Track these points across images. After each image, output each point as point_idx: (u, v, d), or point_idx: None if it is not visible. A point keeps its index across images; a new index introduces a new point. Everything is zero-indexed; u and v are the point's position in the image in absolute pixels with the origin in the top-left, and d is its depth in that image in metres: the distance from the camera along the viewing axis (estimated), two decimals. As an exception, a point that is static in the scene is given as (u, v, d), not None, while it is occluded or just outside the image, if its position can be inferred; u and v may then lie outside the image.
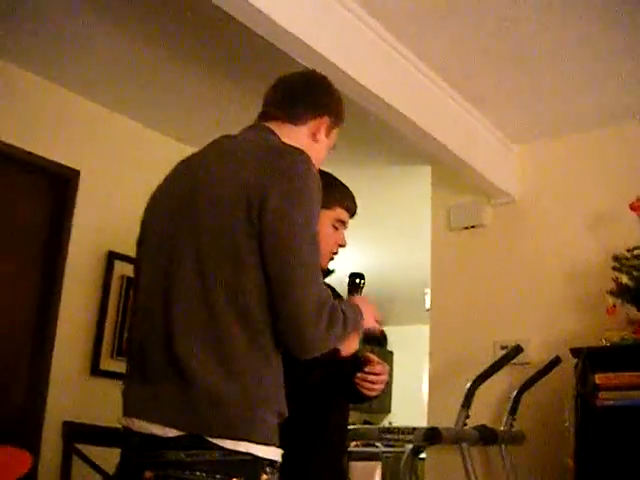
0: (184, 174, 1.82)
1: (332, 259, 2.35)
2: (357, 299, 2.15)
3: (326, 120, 1.96)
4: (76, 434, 3.54)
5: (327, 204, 2.27)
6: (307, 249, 1.63)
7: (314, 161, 1.87)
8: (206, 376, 1.58)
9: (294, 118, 1.93)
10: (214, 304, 1.61)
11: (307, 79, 2.05)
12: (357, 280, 2.26)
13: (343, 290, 2.27)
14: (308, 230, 1.65)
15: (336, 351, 2.02)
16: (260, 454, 1.59)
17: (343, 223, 2.36)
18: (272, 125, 1.90)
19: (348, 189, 2.40)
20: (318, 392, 2.31)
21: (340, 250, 2.38)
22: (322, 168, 2.03)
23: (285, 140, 1.84)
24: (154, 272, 1.73)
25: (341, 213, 2.34)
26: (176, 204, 1.75)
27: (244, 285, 1.62)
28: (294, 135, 1.91)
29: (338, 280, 2.36)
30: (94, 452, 3.51)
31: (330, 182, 2.33)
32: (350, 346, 2.10)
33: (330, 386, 2.36)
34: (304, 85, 2.01)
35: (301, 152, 1.74)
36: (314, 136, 1.94)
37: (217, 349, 1.60)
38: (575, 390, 3.53)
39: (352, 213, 2.39)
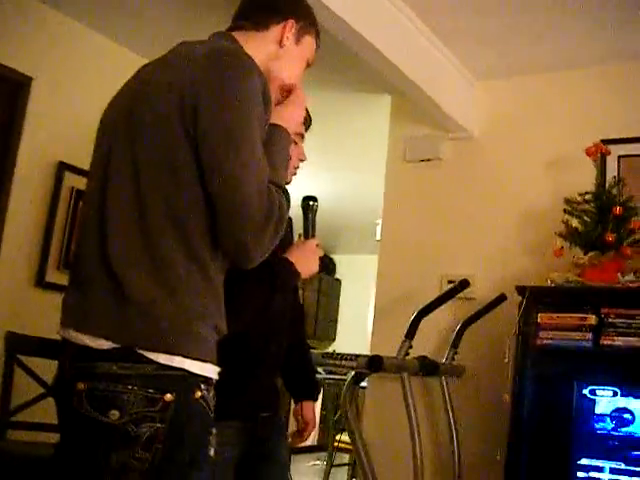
0: (133, 82, 1.78)
1: (295, 174, 2.35)
2: (299, 248, 2.17)
3: (292, 24, 1.88)
4: (18, 345, 3.53)
5: None
6: (243, 155, 1.56)
7: (284, 70, 1.86)
8: (140, 288, 1.56)
9: (257, 24, 1.87)
10: (148, 214, 1.57)
11: None
12: (310, 203, 2.26)
13: (297, 214, 2.26)
14: (242, 134, 1.57)
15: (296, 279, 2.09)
16: (194, 370, 1.57)
17: (302, 136, 2.34)
18: (236, 34, 1.85)
19: None
20: (278, 314, 2.33)
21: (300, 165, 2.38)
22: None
23: (246, 47, 1.78)
24: (94, 181, 1.70)
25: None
26: (118, 113, 1.71)
27: (179, 196, 1.58)
28: (257, 42, 1.85)
29: (291, 204, 2.36)
30: (36, 364, 3.51)
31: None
32: (310, 270, 2.15)
33: (285, 310, 2.40)
34: None
35: (240, 53, 1.68)
36: (280, 42, 1.87)
37: (152, 261, 1.57)
38: (517, 328, 3.59)
39: (308, 124, 2.37)
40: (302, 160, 2.36)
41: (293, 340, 2.59)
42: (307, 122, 2.36)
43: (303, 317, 2.86)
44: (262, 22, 1.87)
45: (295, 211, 2.27)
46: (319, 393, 2.79)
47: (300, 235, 2.25)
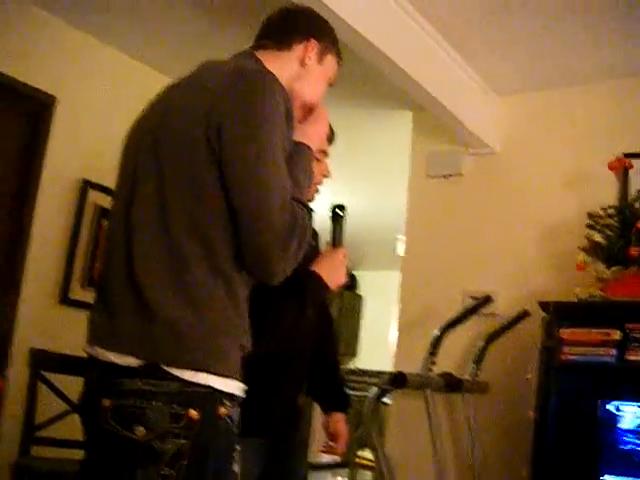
0: (157, 103, 1.80)
1: (317, 191, 2.34)
2: (326, 259, 2.17)
3: (313, 44, 1.91)
4: (42, 362, 3.55)
5: None
6: (267, 174, 1.58)
7: (307, 90, 1.88)
8: (165, 305, 1.56)
9: (279, 43, 1.90)
10: (173, 232, 1.59)
11: (294, 8, 2.05)
12: (339, 211, 2.26)
13: (324, 223, 2.26)
14: (266, 152, 1.59)
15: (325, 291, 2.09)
16: (219, 387, 1.58)
17: (325, 152, 2.34)
18: (258, 53, 1.88)
19: None
20: (306, 329, 2.32)
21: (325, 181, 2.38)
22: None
23: (269, 66, 1.80)
24: (120, 201, 1.71)
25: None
26: (144, 133, 1.73)
27: (204, 213, 1.59)
28: (280, 61, 1.87)
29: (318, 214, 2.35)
30: (60, 380, 3.53)
31: None
32: (338, 282, 2.16)
33: (312, 325, 2.40)
34: (290, 12, 2.00)
35: (263, 72, 1.70)
36: (301, 61, 1.90)
37: (177, 278, 1.58)
38: (540, 343, 3.57)
39: (331, 141, 2.36)
40: (326, 177, 2.35)
41: (323, 352, 2.59)
42: (331, 138, 2.36)
43: (334, 330, 2.85)
44: (284, 42, 1.90)
45: (320, 225, 2.28)
46: (349, 406, 2.76)
47: (327, 243, 2.25)
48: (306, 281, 2.07)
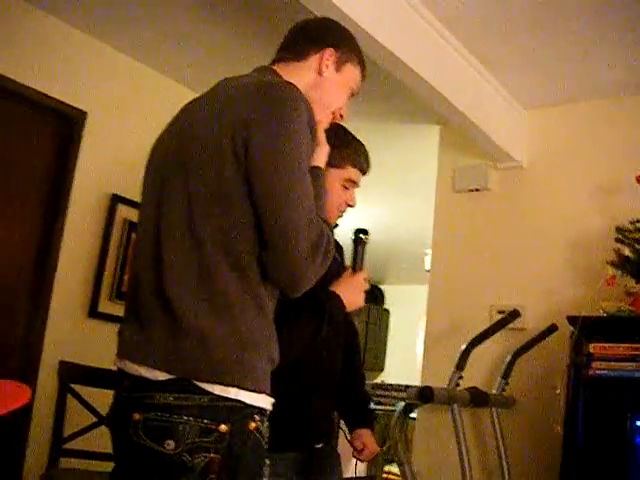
0: (181, 117, 1.82)
1: (340, 216, 2.34)
2: (347, 281, 2.18)
3: (331, 52, 1.91)
4: (71, 374, 3.59)
5: (338, 162, 2.22)
6: (295, 186, 1.59)
7: (325, 99, 1.89)
8: (195, 319, 1.57)
9: (297, 55, 1.91)
10: (202, 245, 1.60)
11: (312, 19, 2.08)
12: (361, 235, 2.27)
13: (347, 244, 2.28)
14: (293, 164, 1.60)
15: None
16: (249, 401, 1.59)
17: (354, 183, 2.30)
18: (277, 66, 1.90)
19: (362, 145, 2.32)
20: (327, 343, 2.32)
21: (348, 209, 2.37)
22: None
23: (287, 78, 1.81)
24: (147, 215, 1.73)
25: (353, 173, 2.27)
26: (170, 146, 1.75)
27: (231, 226, 1.60)
28: (297, 72, 1.89)
29: (341, 234, 2.37)
30: (89, 393, 3.56)
31: (344, 138, 2.28)
32: (355, 304, 2.17)
33: (334, 339, 2.40)
34: (307, 24, 2.02)
35: (288, 86, 1.71)
36: (319, 70, 1.90)
37: (206, 292, 1.59)
38: (569, 358, 3.55)
39: (365, 172, 2.33)
40: (350, 206, 2.32)
41: (347, 368, 2.59)
42: (365, 169, 2.33)
43: (358, 345, 2.84)
44: (301, 52, 1.92)
45: (345, 242, 2.29)
46: (374, 421, 2.75)
47: (347, 267, 2.26)
48: (325, 299, 2.08)
